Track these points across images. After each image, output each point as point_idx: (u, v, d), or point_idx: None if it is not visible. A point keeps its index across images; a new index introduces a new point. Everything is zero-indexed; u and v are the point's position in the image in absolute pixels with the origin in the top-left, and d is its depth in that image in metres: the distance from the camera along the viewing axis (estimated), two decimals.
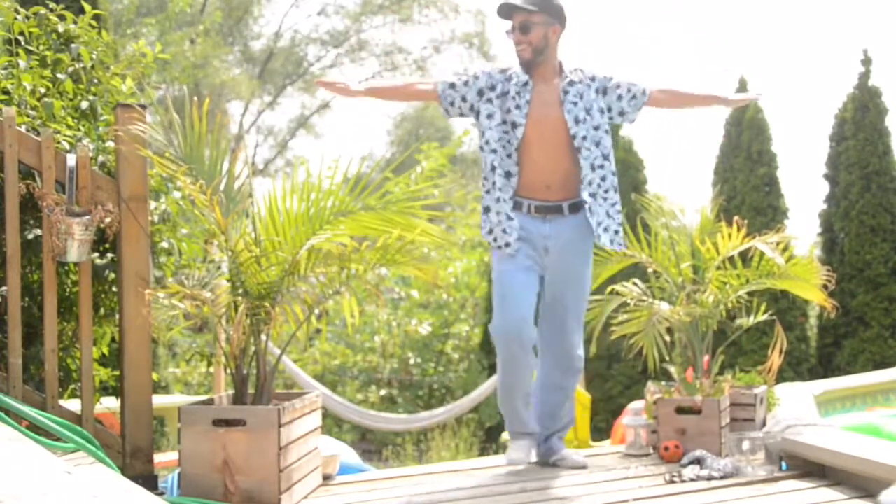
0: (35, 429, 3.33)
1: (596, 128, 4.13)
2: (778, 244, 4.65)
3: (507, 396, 4.19)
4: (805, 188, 12.89)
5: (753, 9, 42.19)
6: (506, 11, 4.14)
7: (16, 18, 4.07)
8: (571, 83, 4.16)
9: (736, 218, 4.68)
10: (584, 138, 4.11)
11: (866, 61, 10.30)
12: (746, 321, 4.79)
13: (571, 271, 4.19)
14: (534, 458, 4.28)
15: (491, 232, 4.12)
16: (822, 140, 10.63)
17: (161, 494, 3.50)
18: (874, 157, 10.05)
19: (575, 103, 4.13)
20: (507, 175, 4.10)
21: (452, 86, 4.17)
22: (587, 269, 4.26)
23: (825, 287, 4.75)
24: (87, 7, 4.31)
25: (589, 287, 4.30)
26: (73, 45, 4.15)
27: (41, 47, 4.12)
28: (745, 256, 4.73)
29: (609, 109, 4.22)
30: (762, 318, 4.78)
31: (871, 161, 10.04)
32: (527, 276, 4.09)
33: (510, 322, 4.02)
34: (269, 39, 24.66)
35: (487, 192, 4.13)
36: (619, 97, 4.22)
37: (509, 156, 4.12)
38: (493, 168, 4.11)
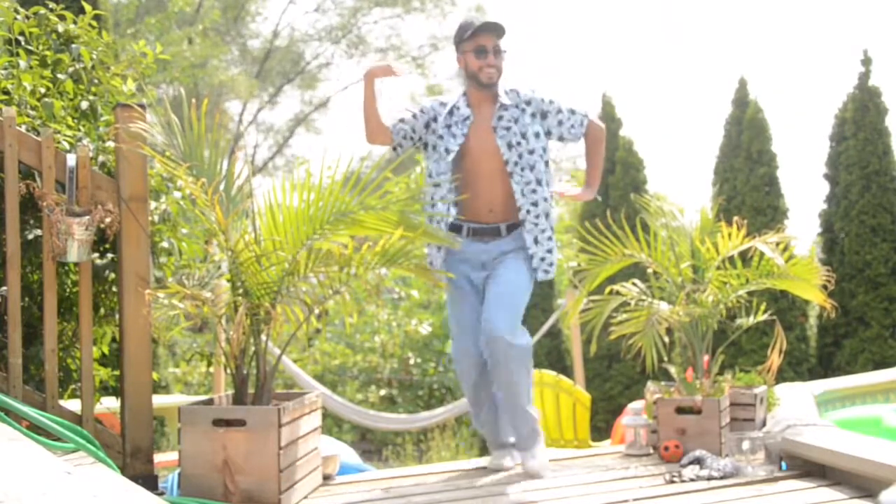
0: (35, 429, 3.33)
1: (531, 152, 4.12)
2: (778, 244, 4.65)
3: (474, 414, 4.38)
4: (805, 188, 12.89)
5: (753, 9, 42.22)
6: (495, 29, 4.11)
7: (16, 18, 4.07)
8: (505, 108, 4.16)
9: (736, 218, 4.68)
10: (516, 164, 4.11)
11: (866, 61, 10.30)
12: (746, 321, 4.79)
13: (501, 268, 4.13)
14: (513, 465, 4.24)
15: (431, 264, 4.20)
16: (822, 140, 10.64)
17: (161, 494, 3.50)
18: (874, 157, 10.05)
19: (508, 128, 4.13)
20: (447, 208, 4.14)
21: (402, 120, 4.20)
22: (519, 269, 4.14)
23: (825, 287, 4.76)
24: (87, 7, 4.31)
25: (523, 286, 4.14)
26: (73, 46, 4.15)
27: (41, 47, 4.12)
28: (745, 256, 4.74)
29: (548, 133, 4.21)
30: (762, 318, 4.78)
31: (871, 161, 10.04)
32: (473, 299, 4.19)
33: (462, 352, 4.21)
34: (267, 38, 24.64)
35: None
36: (560, 122, 4.22)
37: (446, 188, 4.13)
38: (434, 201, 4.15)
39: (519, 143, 4.12)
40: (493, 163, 4.13)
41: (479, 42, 4.10)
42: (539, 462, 4.10)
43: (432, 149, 4.19)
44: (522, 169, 4.11)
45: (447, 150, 4.13)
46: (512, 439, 4.28)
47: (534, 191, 4.12)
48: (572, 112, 4.24)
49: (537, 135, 4.16)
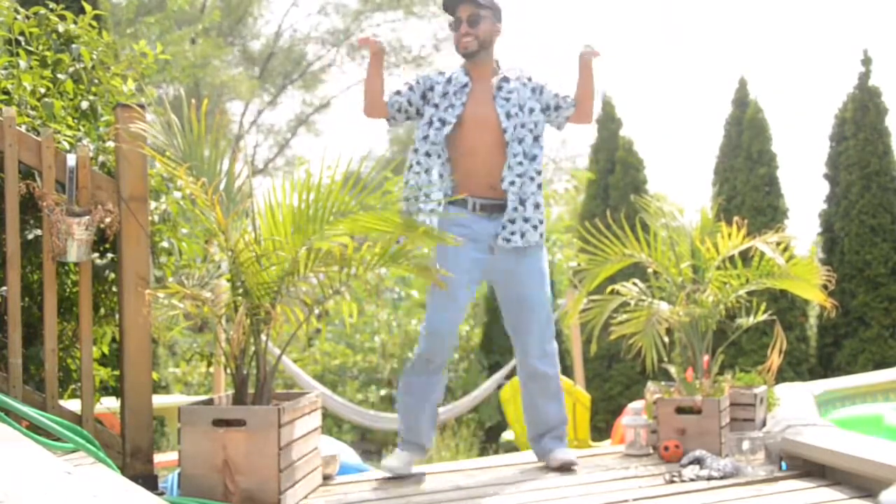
0: (35, 429, 3.33)
1: (523, 125, 4.13)
2: (778, 244, 4.65)
3: (417, 402, 4.19)
4: (805, 188, 12.91)
5: (753, 9, 42.20)
6: (453, 4, 4.13)
7: (16, 18, 4.07)
8: (506, 80, 4.18)
9: (736, 218, 4.69)
10: (512, 135, 4.10)
11: (866, 61, 10.31)
12: (746, 321, 4.79)
13: (527, 270, 4.17)
14: (413, 470, 4.15)
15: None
16: (822, 140, 10.65)
17: (161, 494, 3.50)
18: (874, 157, 10.06)
19: (507, 99, 4.14)
20: (440, 177, 4.10)
21: (398, 92, 4.20)
22: (541, 263, 4.23)
23: (825, 287, 4.76)
24: (87, 7, 4.31)
25: (548, 280, 4.27)
26: (73, 46, 4.15)
27: (41, 47, 4.12)
28: (745, 256, 4.74)
29: (546, 109, 4.22)
30: (762, 318, 4.78)
31: (871, 161, 10.04)
32: (466, 277, 4.09)
33: (441, 332, 4.15)
34: (269, 39, 24.66)
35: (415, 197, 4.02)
36: (555, 95, 4.24)
37: (438, 156, 4.11)
38: (428, 171, 4.09)
39: (517, 115, 4.13)
40: (492, 134, 4.12)
41: (454, 14, 4.15)
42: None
43: (428, 120, 4.14)
44: (516, 140, 4.11)
45: (442, 121, 4.11)
46: (427, 443, 4.22)
47: (520, 163, 4.10)
48: (563, 90, 4.28)
49: (532, 110, 4.16)
